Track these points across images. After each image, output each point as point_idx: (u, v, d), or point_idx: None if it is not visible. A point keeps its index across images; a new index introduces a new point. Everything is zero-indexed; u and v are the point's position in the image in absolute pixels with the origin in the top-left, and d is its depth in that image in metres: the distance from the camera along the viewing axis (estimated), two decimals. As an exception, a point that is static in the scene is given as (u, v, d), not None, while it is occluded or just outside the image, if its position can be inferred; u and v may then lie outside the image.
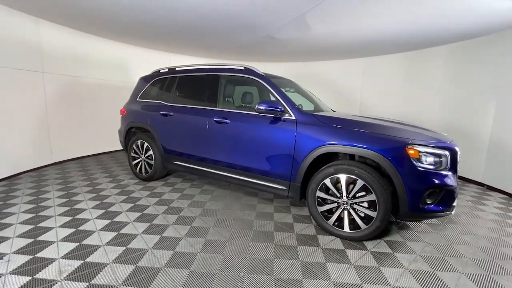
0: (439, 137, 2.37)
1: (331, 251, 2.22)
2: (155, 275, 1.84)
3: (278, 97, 2.79)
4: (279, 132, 2.67)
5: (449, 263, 2.11)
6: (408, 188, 2.11)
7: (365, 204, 2.29)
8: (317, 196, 2.48)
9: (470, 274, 1.97)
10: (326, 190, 2.45)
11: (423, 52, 5.14)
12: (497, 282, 1.89)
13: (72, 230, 2.42)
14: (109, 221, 2.62)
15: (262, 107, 2.68)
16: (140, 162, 3.91)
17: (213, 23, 4.10)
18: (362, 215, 2.32)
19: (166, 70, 3.92)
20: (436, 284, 1.85)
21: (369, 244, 2.34)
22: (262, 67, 6.22)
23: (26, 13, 3.94)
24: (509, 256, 2.24)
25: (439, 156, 2.16)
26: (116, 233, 2.40)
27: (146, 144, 3.78)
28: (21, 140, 4.03)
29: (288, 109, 2.69)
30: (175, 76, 3.71)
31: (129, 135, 4.12)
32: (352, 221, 2.36)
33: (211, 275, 1.86)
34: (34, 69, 4.18)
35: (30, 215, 2.68)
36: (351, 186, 2.32)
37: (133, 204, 3.05)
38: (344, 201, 2.37)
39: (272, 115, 2.75)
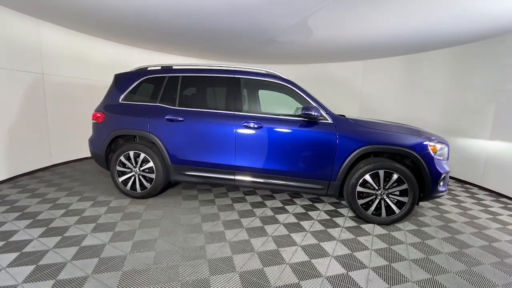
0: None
1: (382, 236, 2.60)
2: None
3: (311, 102, 2.95)
4: (320, 135, 2.84)
5: (453, 227, 2.85)
6: (432, 175, 2.70)
7: (397, 193, 2.77)
8: (357, 190, 2.81)
9: (473, 233, 2.73)
10: (364, 184, 2.80)
11: (423, 55, 5.19)
12: (489, 235, 2.70)
13: (120, 272, 1.89)
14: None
15: (305, 112, 2.79)
16: (133, 177, 3.26)
17: (215, 25, 3.93)
18: (395, 201, 2.79)
19: (159, 68, 3.40)
20: (463, 244, 2.49)
21: (400, 225, 2.85)
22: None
23: (27, 15, 3.88)
24: (481, 217, 3.19)
25: (444, 149, 2.85)
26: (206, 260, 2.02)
27: (142, 155, 3.18)
28: (21, 141, 3.95)
29: (324, 113, 2.89)
30: (175, 75, 3.27)
31: (110, 145, 3.35)
32: (387, 208, 2.81)
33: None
34: (34, 71, 4.10)
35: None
36: (387, 179, 2.75)
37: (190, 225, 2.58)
38: (381, 192, 2.78)
39: (307, 119, 2.90)
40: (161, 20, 3.86)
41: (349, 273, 2.00)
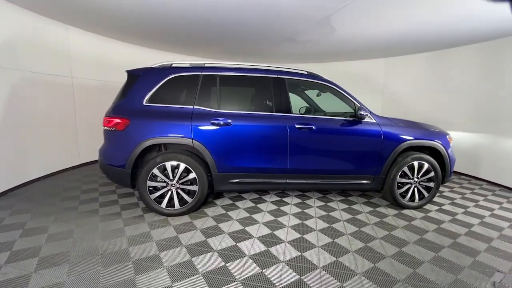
0: None
1: (426, 218, 3.01)
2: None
3: (355, 102, 3.13)
4: (369, 133, 3.05)
5: (460, 203, 3.51)
6: (450, 163, 3.27)
7: (425, 180, 3.24)
8: (399, 181, 3.16)
9: (478, 205, 3.44)
10: (402, 175, 3.17)
11: (450, 51, 4.90)
12: (483, 205, 3.46)
13: None
14: None
15: (361, 113, 2.96)
16: (169, 192, 2.80)
17: (236, 25, 3.90)
18: (423, 187, 3.26)
19: (187, 65, 3.00)
20: (475, 215, 3.12)
21: (427, 208, 3.33)
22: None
23: (57, 21, 4.05)
24: (473, 194, 4.01)
25: (451, 140, 3.47)
26: (299, 278, 1.89)
27: (183, 166, 2.76)
28: (52, 142, 4.10)
29: (368, 113, 3.12)
30: (212, 74, 2.94)
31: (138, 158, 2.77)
32: (419, 194, 3.25)
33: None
34: (64, 74, 4.26)
35: None
36: (420, 169, 3.18)
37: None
38: (415, 181, 3.20)
39: (352, 119, 3.08)
40: (182, 22, 3.87)
41: (438, 254, 2.28)
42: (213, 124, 2.80)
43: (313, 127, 2.96)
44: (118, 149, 2.74)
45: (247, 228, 2.64)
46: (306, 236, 2.52)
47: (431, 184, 3.23)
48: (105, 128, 2.79)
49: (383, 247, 2.36)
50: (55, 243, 2.26)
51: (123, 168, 2.74)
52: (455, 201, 3.61)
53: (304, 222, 2.83)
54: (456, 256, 2.25)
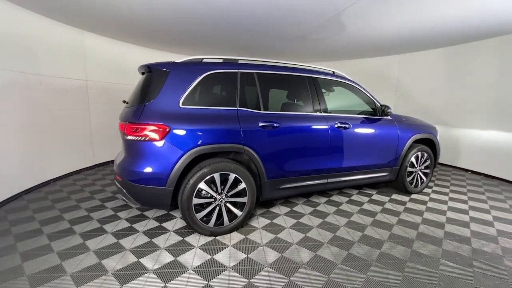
0: None
1: (434, 200, 3.49)
2: None
3: (375, 100, 3.35)
4: (390, 129, 3.33)
5: (456, 184, 4.22)
6: (438, 151, 3.87)
7: (423, 167, 3.76)
8: (408, 170, 3.56)
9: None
10: (410, 165, 3.59)
11: (469, 46, 4.67)
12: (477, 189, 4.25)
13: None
14: None
15: (389, 111, 3.21)
16: (217, 208, 2.41)
17: (247, 23, 3.80)
18: (422, 173, 3.78)
19: (220, 61, 2.64)
20: (476, 190, 3.82)
21: (426, 191, 3.87)
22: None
23: (72, 26, 4.17)
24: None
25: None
26: (404, 275, 1.92)
27: (232, 176, 2.41)
28: (68, 143, 4.22)
29: (391, 110, 3.39)
30: (249, 72, 2.67)
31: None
32: (420, 179, 3.74)
33: (476, 240, 2.46)
34: (79, 78, 4.38)
35: None
36: (421, 158, 3.66)
37: None
38: (418, 169, 3.68)
39: (373, 117, 3.31)
40: (192, 22, 3.84)
41: (471, 229, 2.68)
42: (262, 127, 2.54)
43: (348, 126, 3.04)
44: (155, 163, 2.19)
45: (309, 235, 2.51)
46: (366, 232, 2.58)
47: (427, 171, 3.77)
48: (131, 137, 2.19)
49: (433, 232, 2.62)
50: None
51: (162, 187, 2.20)
52: (436, 182, 4.31)
53: (351, 219, 2.89)
54: (483, 228, 2.71)
